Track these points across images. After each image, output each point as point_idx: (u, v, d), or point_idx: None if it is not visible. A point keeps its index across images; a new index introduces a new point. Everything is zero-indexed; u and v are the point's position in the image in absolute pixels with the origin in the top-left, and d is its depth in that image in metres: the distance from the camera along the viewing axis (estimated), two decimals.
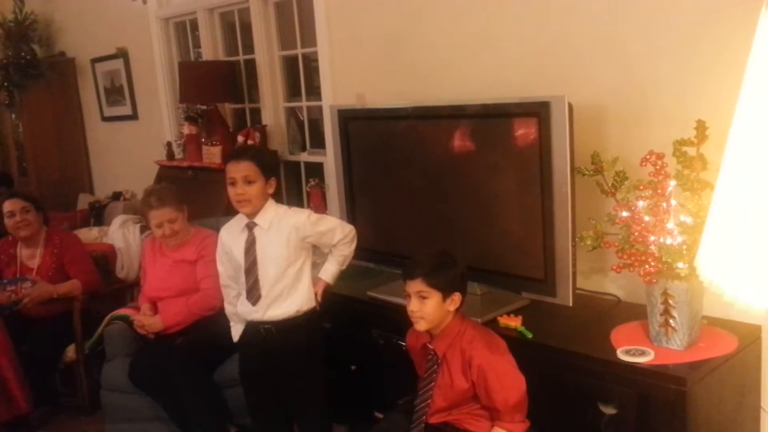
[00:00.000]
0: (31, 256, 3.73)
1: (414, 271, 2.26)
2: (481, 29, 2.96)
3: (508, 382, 2.18)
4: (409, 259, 2.34)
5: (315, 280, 2.77)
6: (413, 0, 3.20)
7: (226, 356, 3.11)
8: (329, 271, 2.79)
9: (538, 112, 2.38)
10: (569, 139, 2.32)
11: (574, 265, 2.43)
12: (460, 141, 2.74)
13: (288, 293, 2.66)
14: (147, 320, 3.19)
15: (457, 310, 2.28)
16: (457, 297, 2.25)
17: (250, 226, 2.66)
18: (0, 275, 3.70)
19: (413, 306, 2.25)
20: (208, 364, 3.08)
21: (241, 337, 2.79)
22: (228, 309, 2.85)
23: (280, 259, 2.63)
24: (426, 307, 2.23)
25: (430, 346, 2.32)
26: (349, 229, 2.77)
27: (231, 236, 2.73)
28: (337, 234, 2.72)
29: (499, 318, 2.58)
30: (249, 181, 2.58)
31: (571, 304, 2.47)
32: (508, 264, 2.68)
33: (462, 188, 2.77)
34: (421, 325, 2.27)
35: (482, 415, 2.26)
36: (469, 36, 3.01)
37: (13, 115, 5.82)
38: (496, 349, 2.23)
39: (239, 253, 2.67)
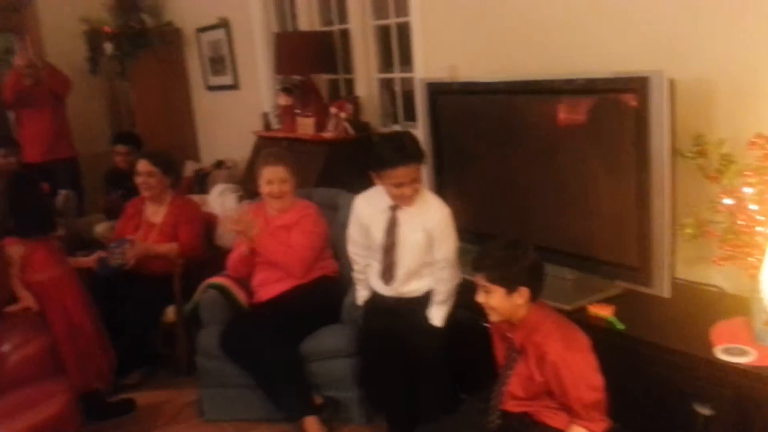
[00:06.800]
0: (155, 214, 3.92)
1: (477, 264, 2.21)
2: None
3: (584, 381, 2.08)
4: (480, 248, 2.26)
5: None
6: None
7: (315, 329, 3.16)
8: (438, 316, 2.73)
9: (636, 88, 2.21)
10: (669, 118, 2.15)
11: (672, 254, 2.27)
12: (552, 117, 2.60)
13: (421, 274, 2.72)
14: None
15: (533, 301, 2.18)
16: (524, 291, 2.15)
17: (394, 208, 2.68)
18: (124, 227, 3.92)
19: (479, 298, 2.21)
20: (296, 335, 3.13)
21: (368, 303, 2.90)
22: (355, 275, 2.96)
23: (418, 247, 2.67)
24: (490, 300, 2.17)
25: (509, 335, 2.25)
26: (454, 258, 2.69)
27: (370, 211, 2.76)
28: (444, 249, 2.67)
29: (589, 306, 2.46)
30: (413, 180, 2.59)
31: (667, 295, 2.32)
32: (600, 249, 2.54)
33: (554, 167, 2.65)
34: (492, 317, 2.23)
35: (560, 410, 2.17)
36: (563, 7, 2.82)
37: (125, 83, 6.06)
38: (574, 345, 2.13)
39: (378, 232, 2.72)
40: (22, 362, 2.71)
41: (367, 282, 2.89)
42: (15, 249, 3.07)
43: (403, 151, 2.57)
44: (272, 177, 3.24)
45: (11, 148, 4.54)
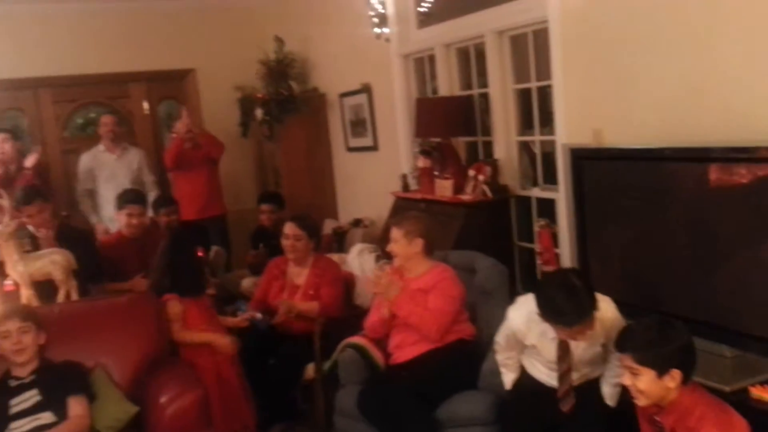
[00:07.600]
0: (298, 275, 4.08)
1: (623, 344, 2.11)
2: (732, 60, 2.65)
3: None
4: (625, 327, 2.16)
5: None
6: (655, 35, 2.97)
7: (451, 394, 3.12)
8: (612, 396, 2.69)
9: None
10: None
11: None
12: (706, 186, 2.48)
13: (593, 369, 2.70)
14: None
15: (684, 383, 2.05)
16: (676, 374, 2.03)
17: None
18: (268, 287, 4.10)
19: (626, 380, 2.10)
20: (433, 400, 3.10)
21: (518, 380, 2.86)
22: (501, 360, 2.93)
23: (594, 358, 2.65)
24: (639, 383, 2.06)
25: (657, 419, 2.12)
26: None
27: (534, 334, 2.68)
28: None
29: (750, 388, 2.29)
30: (583, 332, 2.48)
31: None
32: (762, 325, 2.36)
33: (709, 238, 2.52)
34: (640, 401, 2.10)
35: None
36: (716, 69, 2.71)
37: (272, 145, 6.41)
38: (731, 430, 1.98)
39: (549, 355, 2.67)
40: (177, 414, 2.86)
41: (516, 365, 2.87)
42: (173, 305, 3.31)
43: (579, 306, 2.37)
44: (391, 236, 3.36)
45: (172, 207, 4.93)
